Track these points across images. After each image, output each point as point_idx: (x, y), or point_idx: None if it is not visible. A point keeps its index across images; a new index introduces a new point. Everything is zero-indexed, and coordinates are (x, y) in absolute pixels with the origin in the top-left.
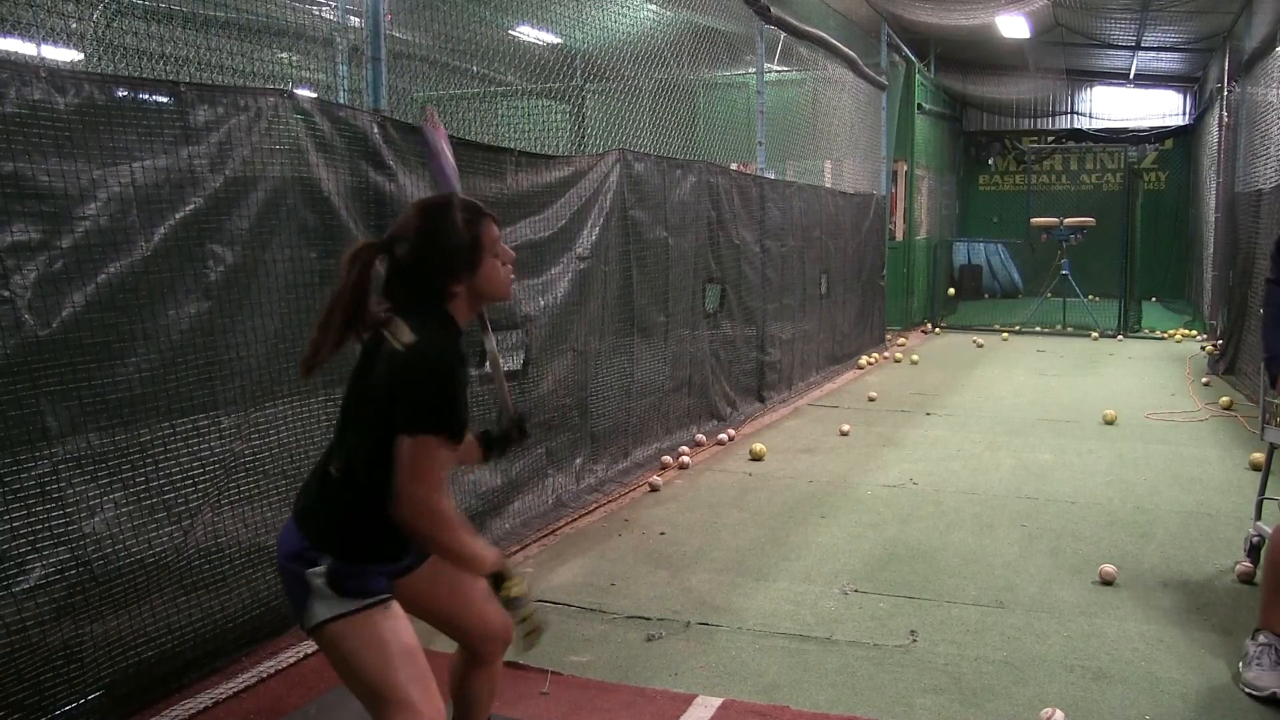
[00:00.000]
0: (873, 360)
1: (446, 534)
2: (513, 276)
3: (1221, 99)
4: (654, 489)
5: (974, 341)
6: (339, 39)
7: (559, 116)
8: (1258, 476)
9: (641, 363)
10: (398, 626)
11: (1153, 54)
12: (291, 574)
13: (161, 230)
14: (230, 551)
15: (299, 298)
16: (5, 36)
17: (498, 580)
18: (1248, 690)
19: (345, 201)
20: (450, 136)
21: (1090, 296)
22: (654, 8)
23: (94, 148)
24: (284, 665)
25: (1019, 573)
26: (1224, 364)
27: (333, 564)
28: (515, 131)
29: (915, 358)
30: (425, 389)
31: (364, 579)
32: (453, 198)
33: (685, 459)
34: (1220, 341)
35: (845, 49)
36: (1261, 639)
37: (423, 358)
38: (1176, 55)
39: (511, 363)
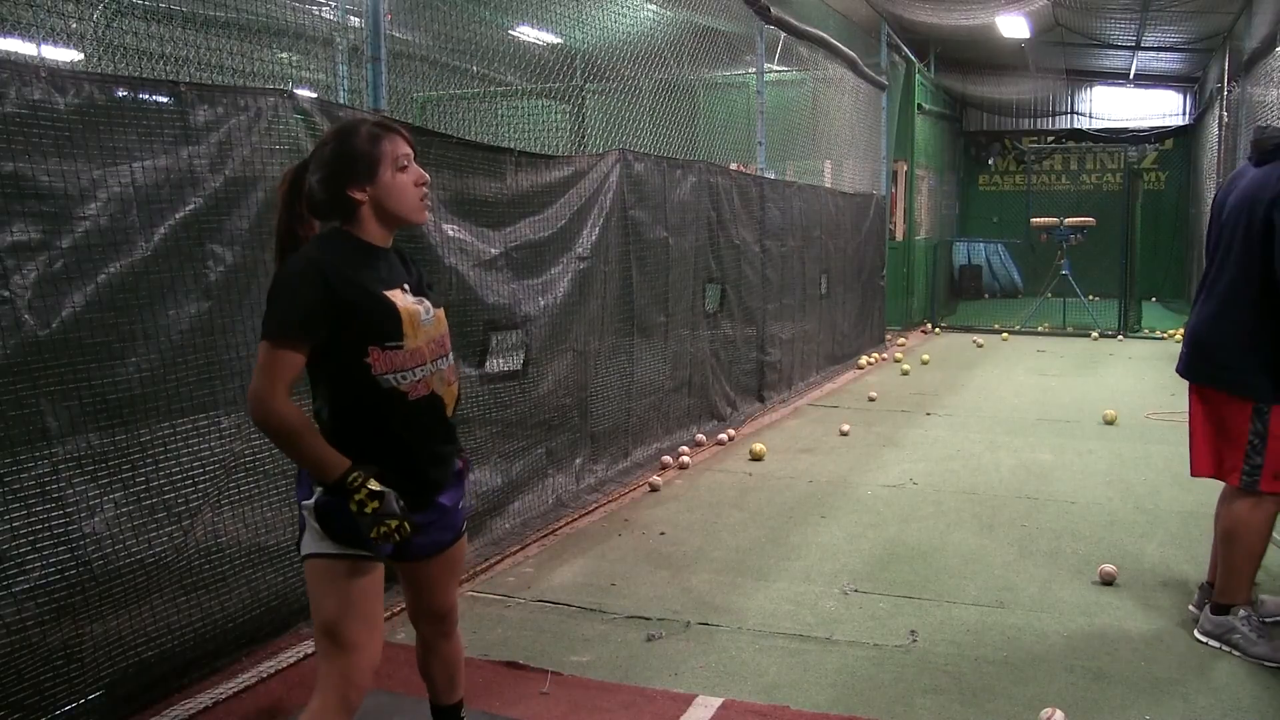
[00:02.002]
0: (873, 360)
1: (286, 436)
2: (427, 201)
3: (1221, 99)
4: (654, 489)
5: (974, 341)
6: (339, 39)
7: (559, 116)
8: None
9: (641, 363)
10: (367, 585)
11: (1153, 54)
12: (298, 501)
13: (161, 230)
14: (230, 551)
15: None
16: (5, 36)
17: (344, 492)
18: (1271, 664)
19: None
20: (451, 136)
21: (1090, 296)
22: (654, 8)
23: (94, 148)
24: (284, 665)
25: (1019, 573)
26: None
27: (319, 496)
28: (515, 131)
29: (925, 357)
30: (270, 297)
31: (355, 528)
32: (368, 115)
33: (685, 459)
34: None
35: (845, 49)
36: (1242, 613)
37: (279, 271)
38: (1176, 55)
39: (511, 362)
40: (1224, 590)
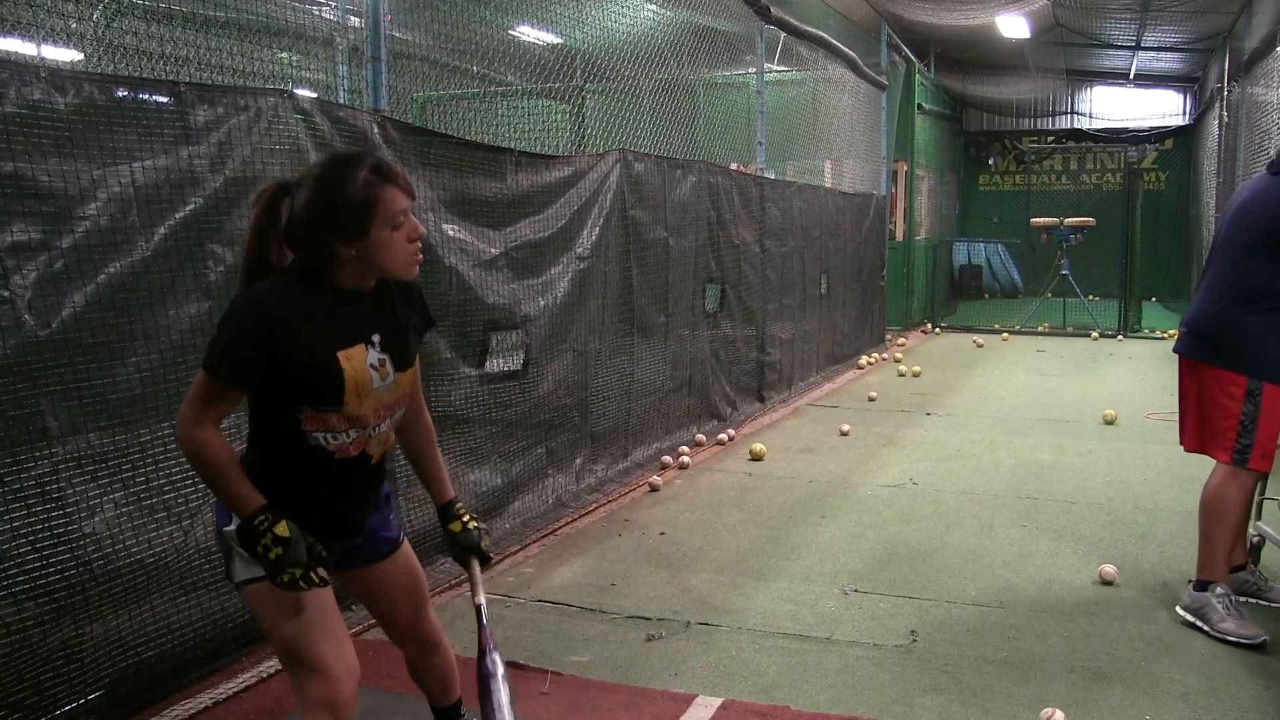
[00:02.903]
0: (873, 360)
1: (204, 466)
2: (419, 255)
3: (1221, 99)
4: (654, 489)
5: (974, 341)
6: (339, 39)
7: (559, 116)
8: None
9: (641, 363)
10: (315, 598)
11: (1153, 54)
12: (216, 529)
13: (161, 230)
14: None
15: None
16: (5, 36)
17: (251, 534)
18: (1235, 640)
19: None
20: (451, 136)
21: (1090, 296)
22: (654, 8)
23: (94, 148)
24: None
25: (1019, 573)
26: None
27: (239, 522)
28: (515, 131)
29: (917, 369)
30: (218, 326)
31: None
32: (365, 154)
33: (685, 459)
34: None
35: (845, 49)
36: (1219, 590)
37: (234, 301)
38: (1176, 55)
39: (511, 363)
40: (1203, 566)
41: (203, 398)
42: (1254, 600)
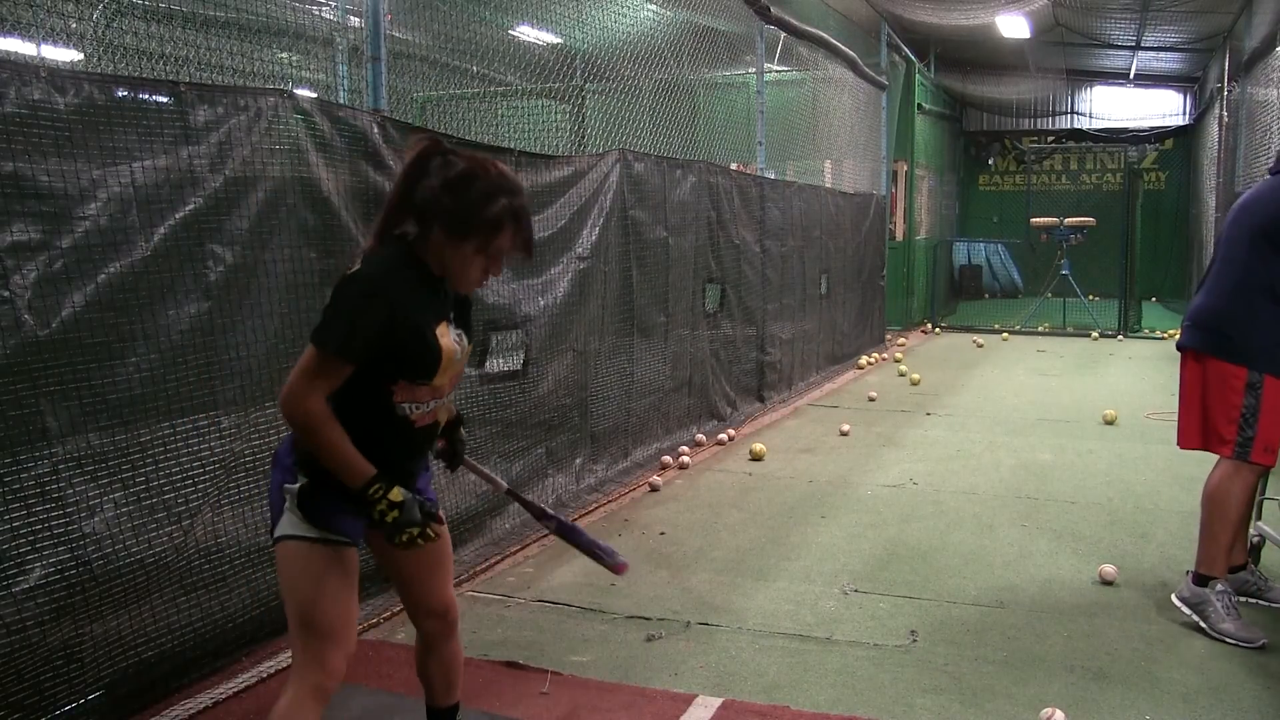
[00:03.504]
0: (873, 360)
1: (316, 434)
2: (483, 285)
3: (1221, 99)
4: (654, 489)
5: (974, 341)
6: (339, 39)
7: (559, 116)
8: None
9: (641, 363)
10: (343, 570)
11: (1153, 54)
12: (276, 482)
13: (161, 230)
14: (230, 551)
15: (299, 298)
16: (5, 36)
17: (366, 502)
18: (1233, 642)
19: (345, 202)
20: (451, 136)
21: (1090, 296)
22: (654, 8)
23: (94, 148)
24: (284, 665)
25: (1019, 573)
26: None
27: (306, 484)
28: (515, 131)
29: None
30: (331, 304)
31: (332, 514)
32: (519, 188)
33: (685, 459)
34: None
35: (845, 49)
36: (1220, 587)
37: (344, 280)
38: (1176, 55)
39: (511, 363)
40: (1203, 560)
41: (315, 373)
42: (1254, 600)
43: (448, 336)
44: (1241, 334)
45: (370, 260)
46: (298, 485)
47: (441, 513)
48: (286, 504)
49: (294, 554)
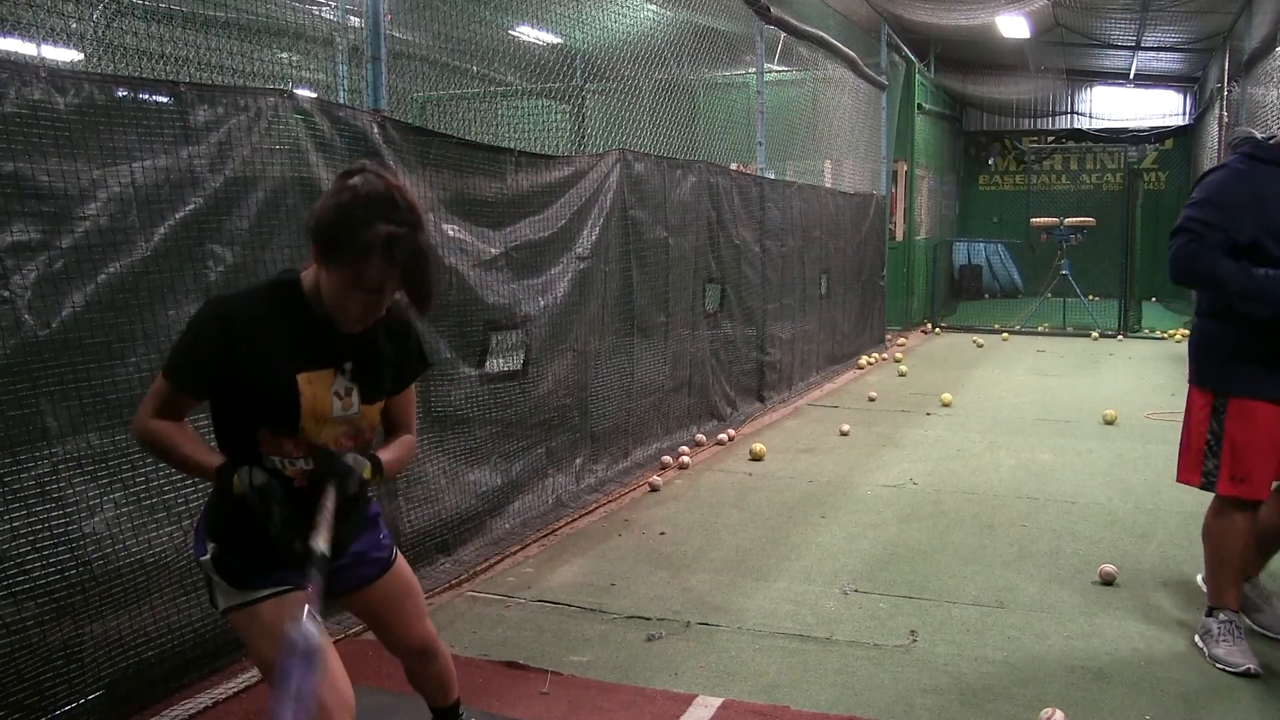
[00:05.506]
0: (873, 360)
1: (159, 448)
2: (364, 317)
3: (1221, 99)
4: (654, 489)
5: (974, 341)
6: (339, 39)
7: (559, 116)
8: None
9: (641, 363)
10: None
11: (1153, 54)
12: (197, 555)
13: (161, 230)
14: None
15: None
16: (5, 36)
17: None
18: (1220, 666)
19: None
20: (451, 136)
21: (1090, 296)
22: (654, 8)
23: (94, 148)
24: None
25: (1019, 573)
26: None
27: (216, 551)
28: (515, 131)
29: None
30: (185, 328)
31: (253, 570)
32: (417, 220)
33: (685, 459)
34: None
35: (845, 49)
36: (1223, 616)
37: (204, 304)
38: (1176, 55)
39: (512, 363)
40: (1209, 592)
41: (154, 394)
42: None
43: (325, 385)
44: (1202, 354)
45: (237, 289)
46: (208, 556)
47: (396, 551)
48: (209, 576)
49: (244, 622)
